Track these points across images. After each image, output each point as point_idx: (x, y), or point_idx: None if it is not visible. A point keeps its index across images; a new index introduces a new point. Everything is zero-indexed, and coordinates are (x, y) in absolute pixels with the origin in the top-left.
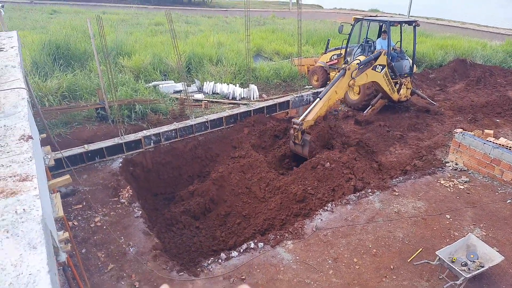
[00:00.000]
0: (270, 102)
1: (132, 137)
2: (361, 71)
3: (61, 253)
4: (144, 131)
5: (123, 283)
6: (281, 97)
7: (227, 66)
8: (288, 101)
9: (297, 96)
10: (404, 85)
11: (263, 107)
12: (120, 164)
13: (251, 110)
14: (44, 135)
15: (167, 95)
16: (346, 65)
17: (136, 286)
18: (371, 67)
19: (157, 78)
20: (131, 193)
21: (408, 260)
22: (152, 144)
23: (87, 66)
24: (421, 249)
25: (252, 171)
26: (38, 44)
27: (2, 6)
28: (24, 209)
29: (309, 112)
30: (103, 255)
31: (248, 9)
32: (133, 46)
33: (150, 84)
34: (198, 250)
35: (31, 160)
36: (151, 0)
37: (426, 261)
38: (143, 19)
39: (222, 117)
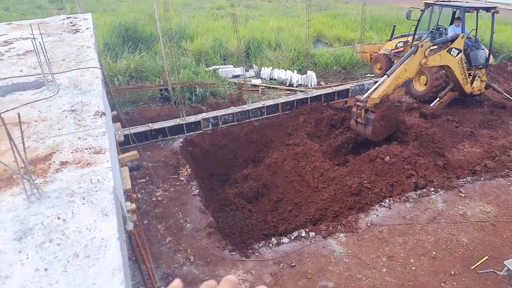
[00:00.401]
0: (328, 90)
1: (192, 118)
2: (434, 51)
3: (129, 222)
4: (203, 113)
5: (179, 255)
6: (340, 85)
7: (286, 51)
8: (347, 90)
9: (357, 85)
10: (478, 77)
11: (321, 94)
12: (181, 144)
13: (308, 98)
14: (115, 112)
15: (226, 79)
16: (419, 41)
17: (191, 260)
18: (446, 49)
19: (217, 62)
20: (189, 172)
21: (472, 268)
22: (210, 126)
23: (153, 49)
24: (487, 257)
25: (306, 160)
26: (109, 26)
27: None
28: (98, 179)
29: (375, 90)
30: (162, 228)
31: None
32: (195, 30)
33: (210, 68)
34: (249, 232)
35: (104, 135)
36: None
37: (492, 270)
38: (206, 2)
39: (279, 104)
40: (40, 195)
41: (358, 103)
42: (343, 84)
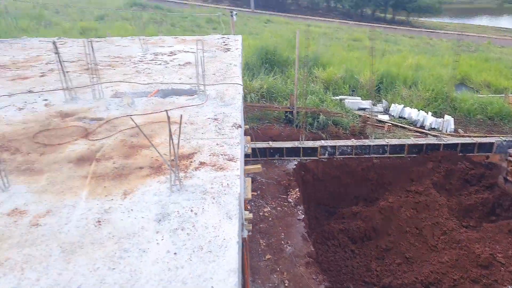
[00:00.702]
0: (468, 140)
1: (310, 144)
2: None
3: (245, 229)
4: (322, 141)
5: (275, 276)
6: (482, 136)
7: (422, 91)
8: (491, 144)
9: (505, 140)
10: None
11: (457, 143)
12: (295, 166)
13: (441, 144)
14: (247, 127)
15: (350, 111)
16: None
17: (286, 285)
18: None
19: (345, 93)
20: (298, 196)
21: None
22: (326, 154)
23: (286, 72)
24: None
25: (428, 213)
26: (252, 48)
27: (236, 14)
28: (227, 184)
29: None
30: (264, 244)
31: (461, 33)
32: (329, 59)
33: (337, 98)
34: (348, 274)
35: (238, 145)
36: (353, 16)
37: None
38: (343, 33)
39: (405, 145)
40: (180, 187)
41: (511, 158)
42: (486, 136)
